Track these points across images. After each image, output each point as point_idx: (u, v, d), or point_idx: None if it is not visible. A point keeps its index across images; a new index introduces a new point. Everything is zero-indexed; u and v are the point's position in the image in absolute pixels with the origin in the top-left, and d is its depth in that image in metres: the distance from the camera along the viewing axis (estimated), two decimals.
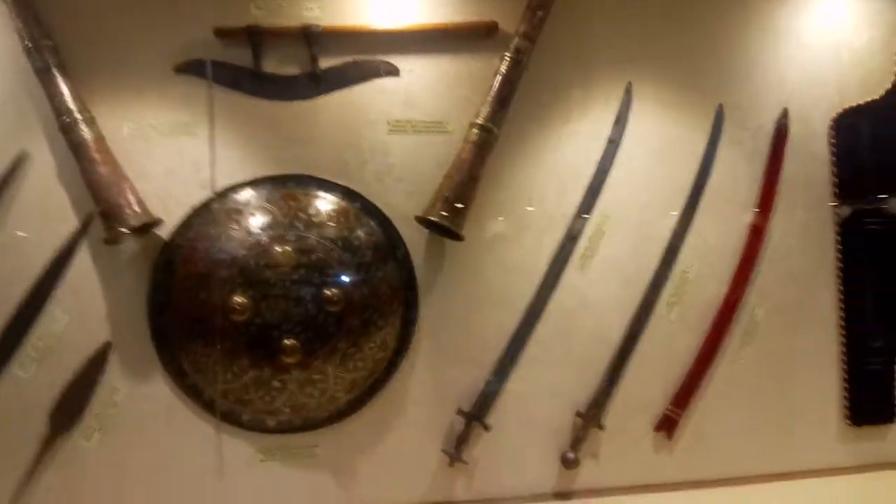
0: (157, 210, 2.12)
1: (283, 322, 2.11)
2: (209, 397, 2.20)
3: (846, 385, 2.52)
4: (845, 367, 2.52)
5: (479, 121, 2.25)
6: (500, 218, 2.37)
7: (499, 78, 2.27)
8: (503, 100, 2.27)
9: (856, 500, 2.49)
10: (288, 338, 2.11)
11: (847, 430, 2.53)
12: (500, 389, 2.33)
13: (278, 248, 2.12)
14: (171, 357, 2.16)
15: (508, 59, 2.28)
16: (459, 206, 2.20)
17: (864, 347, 2.51)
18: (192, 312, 2.12)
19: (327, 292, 2.12)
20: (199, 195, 2.18)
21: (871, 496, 2.49)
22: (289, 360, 2.12)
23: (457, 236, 2.23)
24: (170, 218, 2.15)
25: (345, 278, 2.16)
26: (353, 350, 2.20)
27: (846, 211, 2.52)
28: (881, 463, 2.54)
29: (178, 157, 2.18)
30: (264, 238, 2.14)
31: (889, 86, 2.57)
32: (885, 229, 2.51)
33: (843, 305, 2.52)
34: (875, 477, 2.51)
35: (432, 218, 2.19)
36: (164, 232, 2.15)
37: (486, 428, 2.29)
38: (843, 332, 2.52)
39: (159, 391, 2.17)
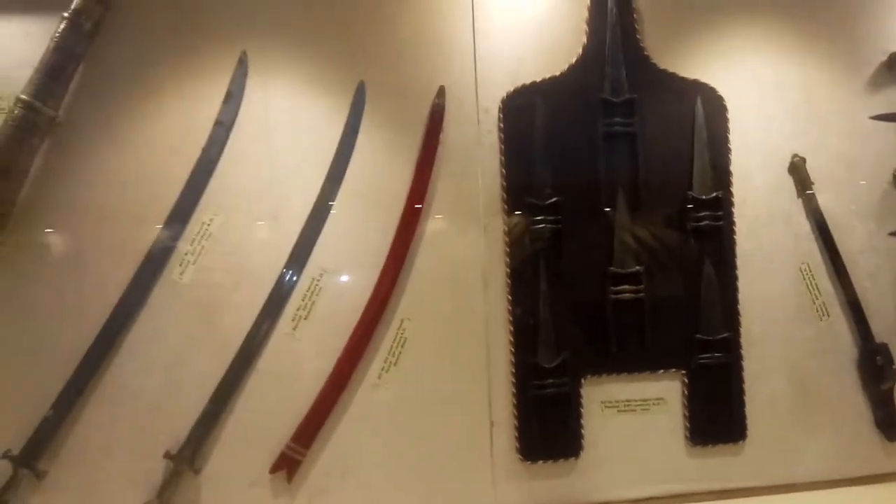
0: None
1: None
2: None
3: (516, 413, 2.14)
4: (515, 391, 2.14)
5: (23, 96, 1.83)
6: (73, 222, 1.95)
7: (50, 45, 1.86)
8: (55, 72, 1.85)
9: None
10: None
11: (519, 467, 2.12)
12: (62, 428, 1.89)
13: None
14: None
15: (65, 21, 1.86)
16: None
17: (538, 368, 2.12)
18: None
19: None
20: None
21: None
22: None
23: None
24: None
25: None
26: None
27: (516, 207, 2.14)
28: None
29: None
30: None
31: (574, 60, 2.21)
32: (560, 228, 2.13)
33: (511, 318, 2.13)
34: None
35: None
36: None
37: (38, 475, 1.86)
38: (513, 350, 2.14)
39: None
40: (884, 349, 2.32)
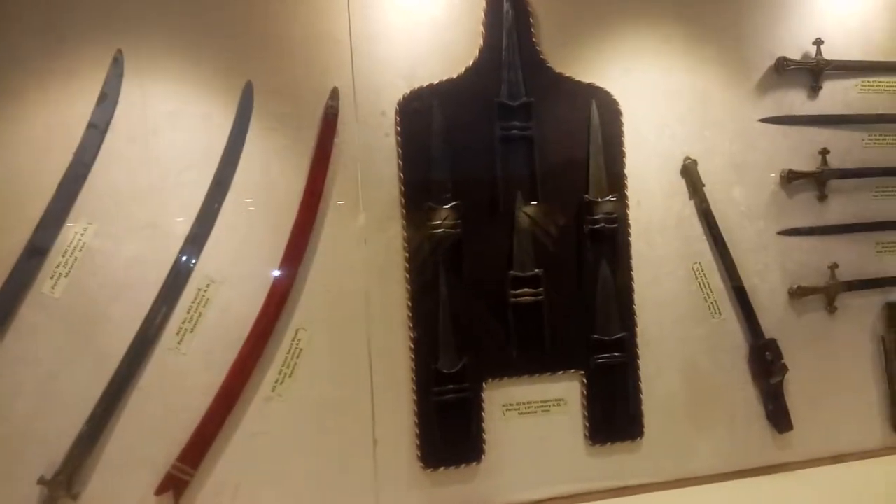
0: None
1: None
2: None
3: (417, 420, 2.10)
4: (416, 398, 2.10)
5: None
6: None
7: None
8: None
9: None
10: None
11: (421, 475, 2.09)
12: None
13: None
14: None
15: None
16: None
17: (439, 373, 2.09)
18: None
19: None
20: None
21: None
22: None
23: None
24: None
25: None
26: None
27: (415, 211, 2.11)
28: None
29: None
30: None
31: (471, 63, 2.19)
32: (459, 232, 2.10)
33: (411, 324, 2.10)
34: None
35: None
36: None
37: None
38: (413, 357, 2.10)
39: None
40: (773, 344, 2.41)
